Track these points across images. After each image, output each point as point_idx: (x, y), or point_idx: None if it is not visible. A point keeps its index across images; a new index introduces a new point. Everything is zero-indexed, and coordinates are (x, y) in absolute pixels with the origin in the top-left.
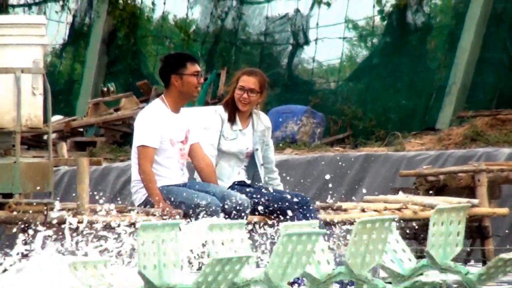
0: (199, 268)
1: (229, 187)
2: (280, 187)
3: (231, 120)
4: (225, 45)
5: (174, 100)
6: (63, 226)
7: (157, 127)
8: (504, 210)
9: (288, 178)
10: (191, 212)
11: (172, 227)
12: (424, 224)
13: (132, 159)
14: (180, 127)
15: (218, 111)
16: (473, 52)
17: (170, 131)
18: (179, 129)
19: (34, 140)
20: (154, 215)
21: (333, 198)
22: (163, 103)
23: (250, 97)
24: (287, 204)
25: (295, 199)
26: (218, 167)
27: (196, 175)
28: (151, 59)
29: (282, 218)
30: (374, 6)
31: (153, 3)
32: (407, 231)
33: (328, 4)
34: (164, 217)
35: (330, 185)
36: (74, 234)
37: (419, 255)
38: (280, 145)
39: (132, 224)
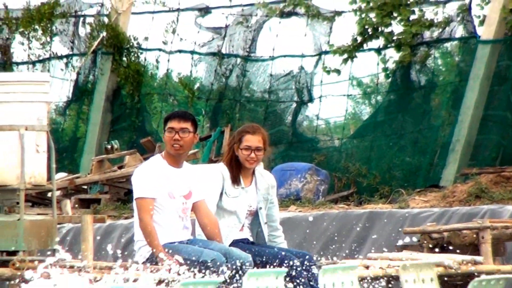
0: None
1: (232, 245)
2: (284, 245)
3: (234, 178)
4: (229, 102)
5: (169, 156)
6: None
7: (152, 179)
8: (508, 267)
9: (292, 235)
10: (196, 269)
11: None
12: None
13: (134, 216)
14: (182, 181)
15: (221, 169)
16: (477, 110)
17: (169, 185)
18: (181, 183)
19: (38, 197)
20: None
21: (337, 255)
22: (162, 157)
23: (257, 155)
24: (290, 262)
25: (299, 257)
26: None
27: (198, 232)
28: (155, 116)
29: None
30: (378, 64)
31: (157, 61)
32: None
33: (338, 71)
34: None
35: (334, 242)
36: None
37: None
38: (284, 202)
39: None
